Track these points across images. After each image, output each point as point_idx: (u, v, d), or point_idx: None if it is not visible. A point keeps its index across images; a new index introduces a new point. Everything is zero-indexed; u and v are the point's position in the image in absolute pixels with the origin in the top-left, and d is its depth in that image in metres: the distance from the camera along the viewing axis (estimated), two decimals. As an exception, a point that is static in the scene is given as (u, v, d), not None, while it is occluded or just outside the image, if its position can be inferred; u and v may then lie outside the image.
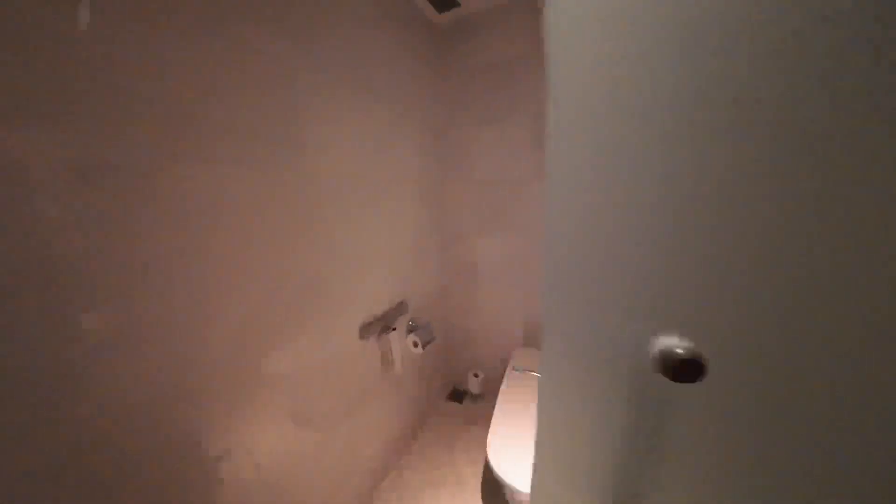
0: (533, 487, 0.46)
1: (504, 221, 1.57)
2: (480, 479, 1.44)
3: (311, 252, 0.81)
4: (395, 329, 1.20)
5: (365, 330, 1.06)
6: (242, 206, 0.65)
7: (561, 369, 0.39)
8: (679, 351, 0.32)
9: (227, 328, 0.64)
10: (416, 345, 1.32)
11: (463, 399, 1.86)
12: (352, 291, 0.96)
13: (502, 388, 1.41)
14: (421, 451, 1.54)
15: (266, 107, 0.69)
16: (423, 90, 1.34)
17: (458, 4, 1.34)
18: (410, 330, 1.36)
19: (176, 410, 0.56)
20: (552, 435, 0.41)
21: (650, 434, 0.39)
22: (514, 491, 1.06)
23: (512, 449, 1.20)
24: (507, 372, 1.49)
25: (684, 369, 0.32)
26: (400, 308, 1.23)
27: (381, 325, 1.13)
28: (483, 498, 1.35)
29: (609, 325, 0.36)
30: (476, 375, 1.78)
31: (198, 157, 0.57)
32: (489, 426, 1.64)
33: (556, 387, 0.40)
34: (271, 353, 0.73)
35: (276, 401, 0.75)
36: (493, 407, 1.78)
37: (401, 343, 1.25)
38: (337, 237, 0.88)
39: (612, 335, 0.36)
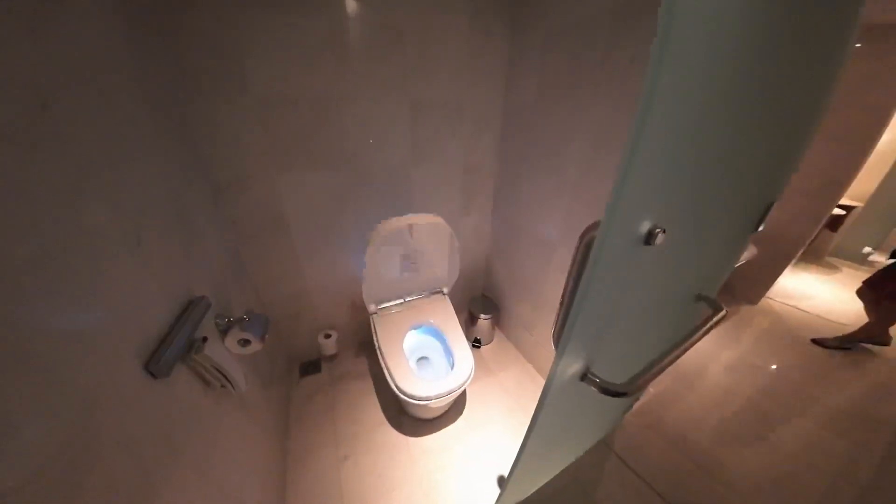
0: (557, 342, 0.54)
1: (311, 154, 1.18)
2: (383, 417, 1.41)
3: None
4: (206, 339, 0.76)
5: (157, 362, 0.59)
6: None
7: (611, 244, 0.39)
8: (658, 230, 0.41)
9: None
10: (246, 342, 0.93)
11: (320, 366, 1.62)
12: (77, 316, 0.45)
13: (378, 332, 1.32)
14: (303, 448, 1.27)
15: None
16: None
17: None
18: (226, 329, 0.92)
19: None
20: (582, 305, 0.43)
21: (616, 294, 0.47)
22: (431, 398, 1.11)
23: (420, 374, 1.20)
24: (372, 319, 1.39)
25: (653, 238, 0.41)
26: (195, 309, 0.76)
27: (180, 345, 0.67)
28: (398, 427, 1.36)
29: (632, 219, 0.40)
30: (328, 336, 1.56)
31: None
32: (365, 376, 1.58)
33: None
34: None
35: None
36: (365, 358, 1.69)
37: (227, 352, 0.83)
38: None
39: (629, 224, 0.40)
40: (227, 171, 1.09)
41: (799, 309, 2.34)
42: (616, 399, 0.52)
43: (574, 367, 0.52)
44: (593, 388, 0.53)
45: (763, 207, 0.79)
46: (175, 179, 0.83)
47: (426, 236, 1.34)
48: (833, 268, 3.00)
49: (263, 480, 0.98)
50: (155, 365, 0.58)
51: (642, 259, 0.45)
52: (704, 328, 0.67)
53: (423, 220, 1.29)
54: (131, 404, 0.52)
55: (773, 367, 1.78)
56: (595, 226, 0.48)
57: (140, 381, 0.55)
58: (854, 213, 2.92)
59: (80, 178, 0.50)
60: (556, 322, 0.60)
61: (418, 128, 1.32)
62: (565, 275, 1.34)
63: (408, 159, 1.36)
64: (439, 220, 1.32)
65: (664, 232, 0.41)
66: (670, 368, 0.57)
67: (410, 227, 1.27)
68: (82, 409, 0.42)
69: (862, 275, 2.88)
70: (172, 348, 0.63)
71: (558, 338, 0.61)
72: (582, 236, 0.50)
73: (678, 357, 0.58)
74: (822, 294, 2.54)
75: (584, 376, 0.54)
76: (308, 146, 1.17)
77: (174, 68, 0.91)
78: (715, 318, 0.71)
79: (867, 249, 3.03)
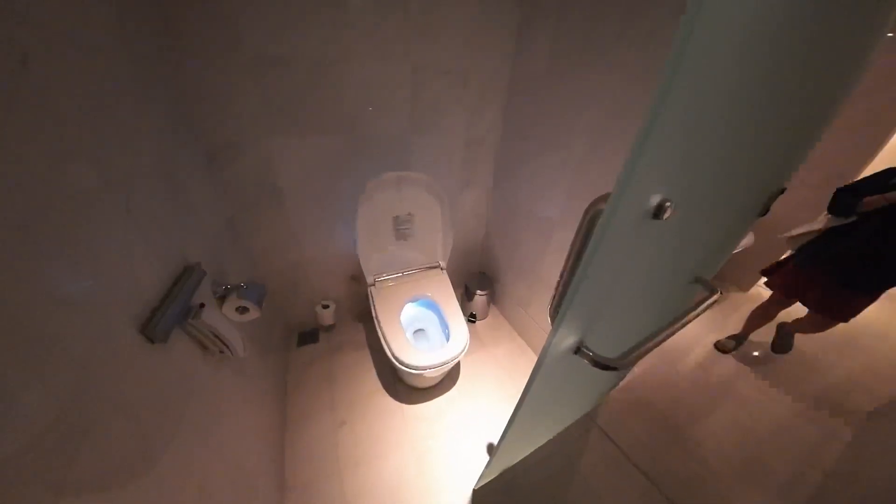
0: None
1: (307, 118, 1.12)
2: (379, 385, 1.45)
3: None
4: (203, 306, 0.75)
5: (154, 327, 0.59)
6: None
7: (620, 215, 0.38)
8: (668, 203, 0.40)
9: None
10: (244, 310, 0.93)
11: (318, 336, 1.65)
12: (72, 278, 0.44)
13: (376, 303, 1.33)
14: (301, 413, 1.32)
15: None
16: None
17: None
18: (223, 296, 0.91)
19: None
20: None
21: (617, 269, 0.47)
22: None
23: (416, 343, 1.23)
24: (370, 291, 1.39)
25: (662, 211, 0.40)
26: (190, 276, 0.75)
27: (177, 311, 0.66)
28: (393, 395, 1.40)
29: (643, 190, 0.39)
30: (325, 306, 1.57)
31: None
32: (362, 346, 1.61)
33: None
34: None
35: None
36: (362, 329, 1.71)
37: (225, 318, 0.83)
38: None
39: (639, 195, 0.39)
40: (220, 135, 1.04)
41: (787, 297, 2.39)
42: (605, 373, 0.54)
43: (569, 340, 0.53)
44: (585, 361, 0.54)
45: (771, 193, 0.77)
46: (165, 142, 0.79)
47: (417, 196, 1.33)
48: (824, 258, 3.02)
49: (262, 444, 1.02)
50: (152, 330, 0.58)
51: (647, 234, 0.45)
52: (698, 310, 0.68)
53: (413, 177, 1.27)
54: (128, 369, 0.52)
55: (756, 353, 1.84)
56: (602, 199, 0.47)
57: (137, 345, 0.55)
58: (853, 204, 2.90)
59: (65, 138, 0.47)
60: (555, 296, 0.60)
61: (420, 95, 1.25)
62: (563, 254, 1.34)
63: (407, 128, 1.31)
64: (430, 178, 1.30)
65: (673, 206, 0.40)
66: (657, 348, 0.59)
67: (399, 180, 1.25)
68: (79, 374, 0.42)
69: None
70: (169, 313, 0.62)
71: (555, 312, 0.61)
72: (588, 209, 0.49)
73: (669, 336, 0.59)
74: (810, 283, 2.57)
75: (578, 350, 0.55)
76: (304, 110, 1.11)
77: (162, 26, 0.84)
78: (709, 301, 0.71)
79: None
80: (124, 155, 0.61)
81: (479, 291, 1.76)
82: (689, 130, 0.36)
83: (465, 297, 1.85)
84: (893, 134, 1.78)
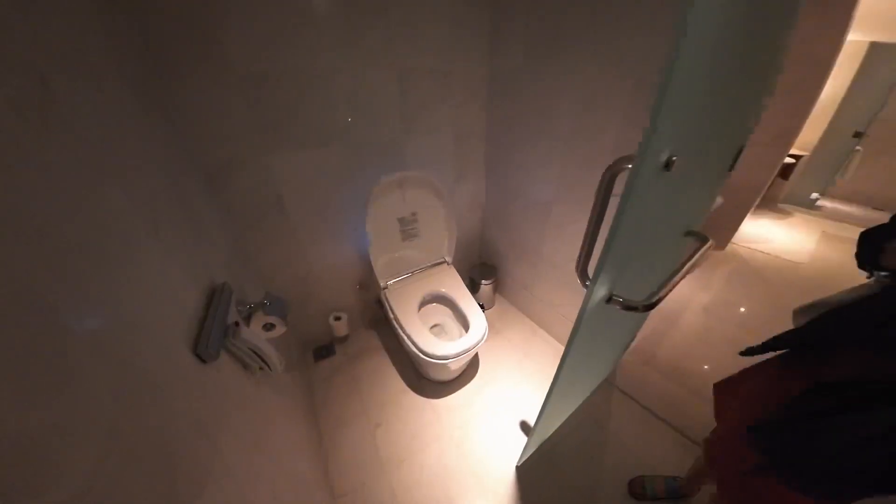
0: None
1: (300, 131, 1.12)
2: (405, 385, 1.46)
3: None
4: (237, 324, 0.75)
5: (204, 346, 0.59)
6: None
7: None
8: (674, 157, 0.47)
9: None
10: (271, 326, 0.93)
11: (334, 349, 1.64)
12: (119, 305, 0.43)
13: (392, 305, 1.35)
14: (335, 424, 1.31)
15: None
16: None
17: None
18: (248, 314, 0.91)
19: None
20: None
21: (638, 221, 0.53)
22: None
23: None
24: (384, 294, 1.40)
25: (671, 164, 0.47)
26: (221, 295, 0.74)
27: (220, 329, 0.66)
28: (420, 392, 1.42)
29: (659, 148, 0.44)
30: (338, 318, 1.57)
31: None
32: (379, 351, 1.61)
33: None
34: None
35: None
36: (376, 334, 1.71)
37: (259, 335, 0.83)
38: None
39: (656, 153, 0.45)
40: (217, 155, 1.03)
41: (760, 251, 2.59)
42: (625, 326, 0.60)
43: (601, 290, 0.59)
44: (617, 307, 0.60)
45: (735, 151, 0.87)
46: (172, 164, 0.79)
47: (419, 195, 1.37)
48: (786, 213, 3.30)
49: (307, 456, 1.01)
50: (203, 349, 0.58)
51: (659, 187, 0.51)
52: (696, 257, 0.76)
53: (415, 176, 1.32)
54: (193, 389, 0.53)
55: (742, 309, 1.97)
56: (624, 159, 0.53)
57: (194, 366, 0.56)
58: (802, 161, 3.17)
59: (94, 159, 0.46)
60: (580, 255, 0.66)
61: (407, 97, 1.29)
62: (563, 230, 1.41)
63: (399, 130, 1.34)
64: (430, 176, 1.35)
65: (678, 160, 0.46)
66: (653, 312, 0.64)
67: (402, 181, 1.30)
68: (158, 397, 0.43)
69: (812, 220, 3.12)
70: (215, 332, 0.62)
71: (584, 268, 0.67)
72: (608, 170, 0.55)
73: (681, 279, 0.66)
74: (778, 237, 2.82)
75: (610, 298, 0.60)
76: (296, 123, 1.12)
77: (148, 48, 0.83)
78: (703, 248, 0.80)
79: (814, 195, 3.31)
80: (142, 177, 0.60)
81: (483, 281, 1.80)
82: (685, 92, 0.43)
83: (470, 289, 1.89)
84: (822, 91, 1.99)
